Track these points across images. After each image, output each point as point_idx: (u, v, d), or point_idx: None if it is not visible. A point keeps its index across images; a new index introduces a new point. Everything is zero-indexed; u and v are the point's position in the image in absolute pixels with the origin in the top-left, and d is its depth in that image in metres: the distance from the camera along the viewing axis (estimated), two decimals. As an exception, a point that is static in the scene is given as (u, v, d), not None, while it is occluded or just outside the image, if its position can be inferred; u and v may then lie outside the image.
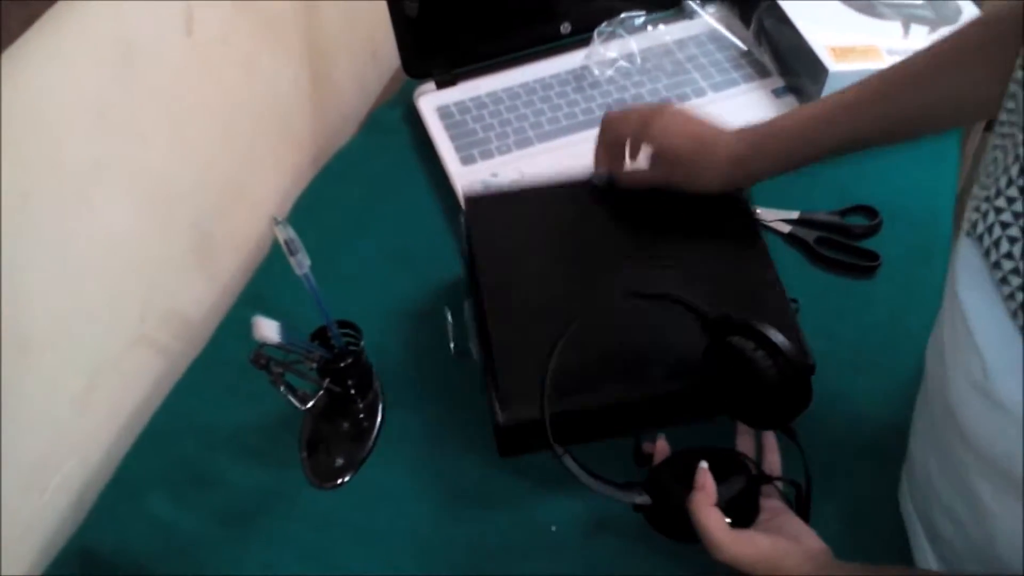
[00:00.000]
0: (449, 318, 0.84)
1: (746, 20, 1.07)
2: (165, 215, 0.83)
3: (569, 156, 0.96)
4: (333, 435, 0.78)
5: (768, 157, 0.76)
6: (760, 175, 0.78)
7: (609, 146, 0.82)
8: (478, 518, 0.73)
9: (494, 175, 0.95)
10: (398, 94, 1.10)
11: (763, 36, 1.04)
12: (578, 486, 0.66)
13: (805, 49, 0.95)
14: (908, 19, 0.99)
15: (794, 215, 0.91)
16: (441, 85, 1.05)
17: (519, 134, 0.99)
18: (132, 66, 0.74)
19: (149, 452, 0.79)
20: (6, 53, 0.60)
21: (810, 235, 0.89)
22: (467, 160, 0.97)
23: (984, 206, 0.51)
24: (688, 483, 0.64)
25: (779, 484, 0.69)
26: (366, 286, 0.89)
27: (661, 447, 0.71)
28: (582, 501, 0.72)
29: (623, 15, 1.06)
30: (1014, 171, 0.49)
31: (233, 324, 0.88)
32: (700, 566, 0.64)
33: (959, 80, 0.68)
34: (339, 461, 0.76)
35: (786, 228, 0.90)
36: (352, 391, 0.78)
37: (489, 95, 1.04)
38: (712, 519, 0.61)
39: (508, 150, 0.98)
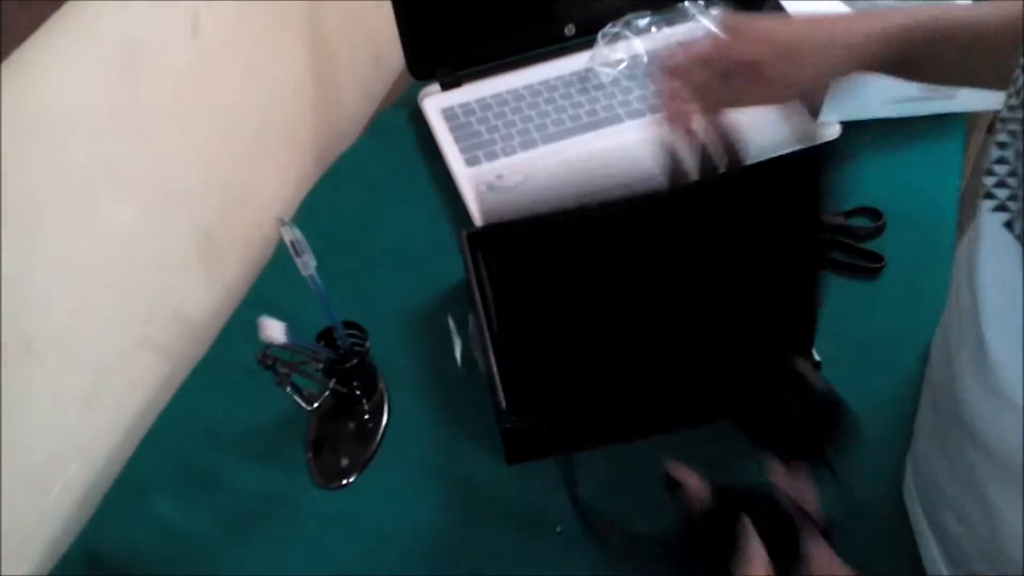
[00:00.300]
0: (454, 330, 0.84)
1: (750, 22, 1.07)
2: (169, 217, 0.83)
3: (574, 159, 0.97)
4: (338, 436, 0.78)
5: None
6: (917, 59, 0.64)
7: (675, 104, 0.66)
8: (484, 519, 0.73)
9: (499, 176, 0.95)
10: (403, 96, 1.10)
11: (767, 38, 1.04)
12: (582, 489, 0.66)
13: (809, 51, 0.95)
14: (912, 21, 0.99)
15: (799, 217, 0.91)
16: (446, 87, 1.06)
17: (524, 136, 0.99)
18: (137, 69, 0.74)
19: (154, 453, 0.79)
20: (13, 56, 0.60)
21: (815, 237, 0.89)
22: (472, 162, 0.97)
23: (1011, 179, 0.50)
24: (730, 537, 0.59)
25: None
26: (371, 288, 0.89)
27: (693, 486, 0.62)
28: (588, 502, 0.72)
29: (627, 17, 1.06)
30: None
31: (237, 326, 0.88)
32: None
33: None
34: (344, 462, 0.76)
35: (791, 230, 0.90)
36: (357, 392, 0.78)
37: (494, 97, 1.04)
38: None
39: (513, 152, 0.98)
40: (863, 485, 0.73)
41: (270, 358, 0.68)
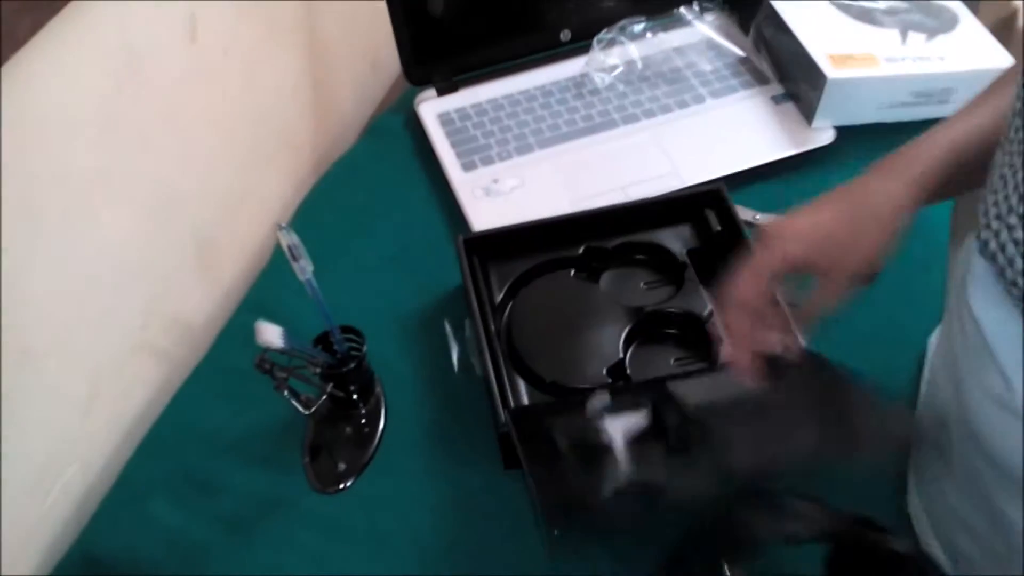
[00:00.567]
0: (451, 335, 0.84)
1: (745, 28, 1.08)
2: (167, 222, 0.83)
3: (570, 163, 0.97)
4: (336, 440, 0.79)
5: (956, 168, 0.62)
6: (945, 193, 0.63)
7: (740, 325, 0.63)
8: (480, 523, 0.73)
9: (495, 181, 0.96)
10: (399, 101, 1.11)
11: (762, 43, 1.04)
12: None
13: (804, 56, 0.96)
14: (905, 27, 1.00)
15: (793, 221, 0.91)
16: (442, 92, 1.06)
17: (520, 140, 1.00)
18: (136, 73, 0.74)
19: (151, 458, 0.80)
20: (11, 61, 0.60)
21: (809, 241, 0.89)
22: (468, 166, 0.98)
23: (996, 224, 0.51)
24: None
25: None
26: (367, 292, 0.89)
27: None
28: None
29: (623, 22, 1.06)
30: None
31: (235, 330, 0.89)
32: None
33: None
34: (342, 466, 0.77)
35: (786, 234, 0.90)
36: (354, 396, 0.78)
37: (490, 102, 1.04)
38: None
39: (509, 156, 0.98)
40: (857, 488, 0.73)
41: (267, 362, 0.69)
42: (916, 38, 0.99)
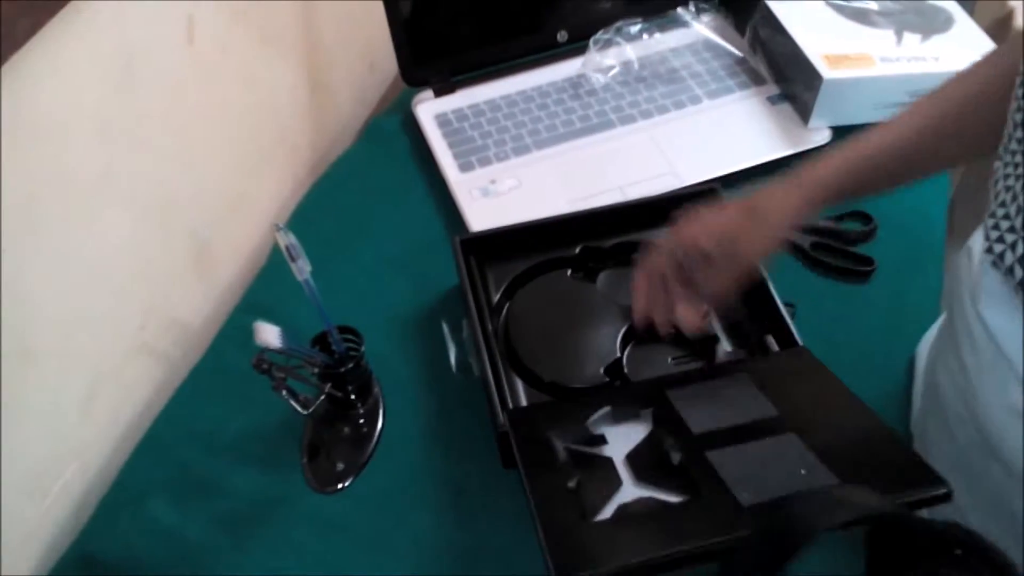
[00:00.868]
0: (448, 336, 0.84)
1: (741, 28, 1.08)
2: (165, 223, 0.83)
3: (567, 164, 0.97)
4: (334, 440, 0.79)
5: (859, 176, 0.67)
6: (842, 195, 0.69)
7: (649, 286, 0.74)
8: (479, 523, 0.73)
9: (492, 182, 0.96)
10: (396, 102, 1.11)
11: (758, 44, 1.05)
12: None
13: (800, 57, 0.96)
14: (900, 27, 1.00)
15: (790, 221, 0.92)
16: (439, 93, 1.06)
17: (517, 141, 1.00)
18: (134, 75, 0.74)
19: (150, 458, 0.80)
20: (10, 62, 0.60)
21: (806, 240, 0.89)
22: (465, 167, 0.98)
23: (1010, 237, 0.51)
24: None
25: None
26: (365, 293, 0.89)
27: None
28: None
29: (619, 23, 1.07)
30: None
31: (233, 331, 0.89)
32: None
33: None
34: (340, 466, 0.77)
35: (782, 234, 0.91)
36: (353, 396, 0.78)
37: (487, 103, 1.04)
38: None
39: (506, 157, 0.99)
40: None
41: (265, 362, 0.69)
42: (911, 38, 0.99)
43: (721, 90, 1.03)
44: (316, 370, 0.73)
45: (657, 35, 1.09)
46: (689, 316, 0.72)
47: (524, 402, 0.77)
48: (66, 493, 0.77)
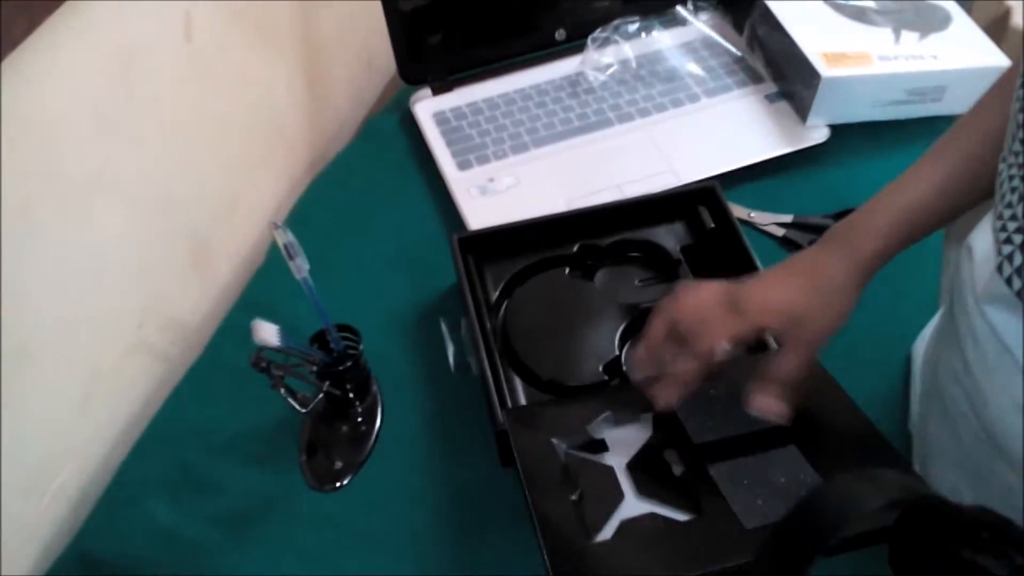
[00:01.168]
0: (447, 335, 0.84)
1: (739, 27, 1.08)
2: (163, 221, 0.83)
3: (565, 162, 0.97)
4: (332, 438, 0.79)
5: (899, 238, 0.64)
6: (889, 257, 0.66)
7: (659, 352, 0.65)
8: (478, 521, 0.73)
9: (491, 180, 0.96)
10: (394, 100, 1.11)
11: (756, 42, 1.05)
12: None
13: (798, 55, 0.96)
14: (899, 26, 1.00)
15: (788, 219, 0.92)
16: (437, 91, 1.06)
17: (515, 139, 1.00)
18: (131, 73, 0.74)
19: (148, 457, 0.80)
20: (7, 61, 0.60)
21: (804, 238, 0.90)
22: (463, 165, 0.98)
23: (1018, 237, 0.51)
24: None
25: None
26: (364, 291, 0.89)
27: None
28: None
29: (617, 21, 1.07)
30: None
31: (230, 329, 0.89)
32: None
33: None
34: (338, 464, 0.77)
35: (780, 232, 0.91)
36: (351, 395, 0.78)
37: (485, 101, 1.04)
38: None
39: (504, 155, 0.99)
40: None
41: (264, 361, 0.69)
42: (909, 37, 0.99)
43: (719, 88, 1.03)
44: (314, 368, 0.73)
45: (655, 33, 1.09)
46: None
47: (523, 400, 0.77)
48: (64, 492, 0.77)
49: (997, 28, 1.23)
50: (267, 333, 0.65)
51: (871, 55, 0.96)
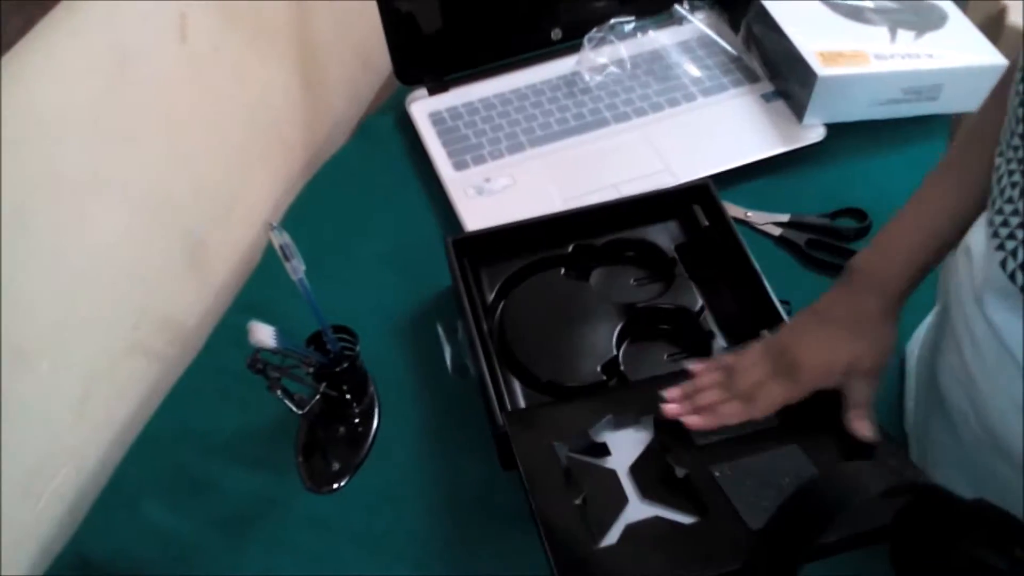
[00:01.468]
0: (444, 337, 0.84)
1: (735, 26, 1.08)
2: (158, 223, 0.83)
3: (561, 162, 0.97)
4: (329, 440, 0.79)
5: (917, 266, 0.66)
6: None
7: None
8: (475, 522, 0.73)
9: (487, 180, 0.96)
10: (390, 101, 1.11)
11: (752, 42, 1.05)
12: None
13: (794, 54, 0.96)
14: (894, 25, 1.00)
15: (785, 218, 0.92)
16: (433, 91, 1.06)
17: (511, 139, 1.00)
18: (126, 74, 0.74)
19: (144, 458, 0.79)
20: (2, 61, 0.60)
21: (801, 238, 0.90)
22: (460, 165, 0.98)
23: (1021, 232, 0.51)
24: None
25: None
26: (360, 292, 0.89)
27: None
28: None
29: (613, 21, 1.07)
30: None
31: (227, 331, 0.88)
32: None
33: None
34: (335, 466, 0.77)
35: (777, 231, 0.91)
36: (348, 396, 0.78)
37: (481, 101, 1.04)
38: None
39: (500, 155, 0.98)
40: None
41: (260, 362, 0.68)
42: (905, 35, 0.99)
43: (715, 87, 1.03)
44: (311, 370, 0.73)
45: (651, 33, 1.09)
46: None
47: (521, 402, 0.77)
48: (60, 494, 0.77)
49: (993, 26, 1.23)
50: (263, 334, 0.65)
51: (867, 54, 0.96)
